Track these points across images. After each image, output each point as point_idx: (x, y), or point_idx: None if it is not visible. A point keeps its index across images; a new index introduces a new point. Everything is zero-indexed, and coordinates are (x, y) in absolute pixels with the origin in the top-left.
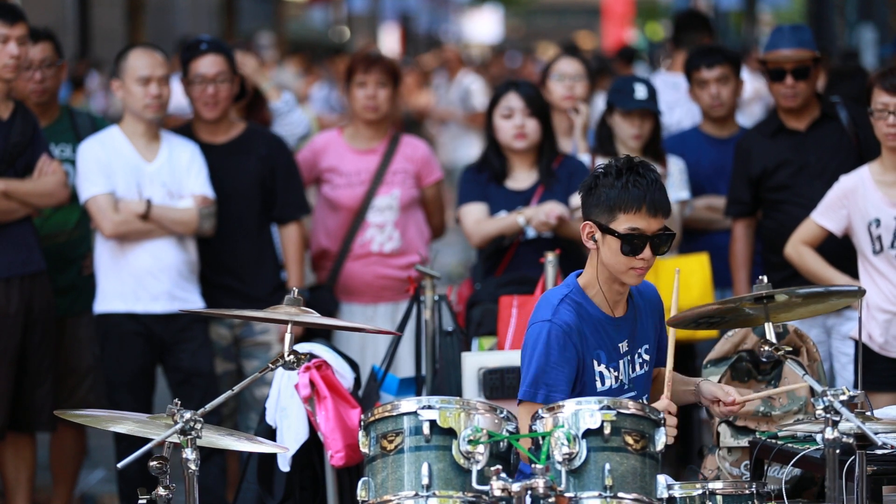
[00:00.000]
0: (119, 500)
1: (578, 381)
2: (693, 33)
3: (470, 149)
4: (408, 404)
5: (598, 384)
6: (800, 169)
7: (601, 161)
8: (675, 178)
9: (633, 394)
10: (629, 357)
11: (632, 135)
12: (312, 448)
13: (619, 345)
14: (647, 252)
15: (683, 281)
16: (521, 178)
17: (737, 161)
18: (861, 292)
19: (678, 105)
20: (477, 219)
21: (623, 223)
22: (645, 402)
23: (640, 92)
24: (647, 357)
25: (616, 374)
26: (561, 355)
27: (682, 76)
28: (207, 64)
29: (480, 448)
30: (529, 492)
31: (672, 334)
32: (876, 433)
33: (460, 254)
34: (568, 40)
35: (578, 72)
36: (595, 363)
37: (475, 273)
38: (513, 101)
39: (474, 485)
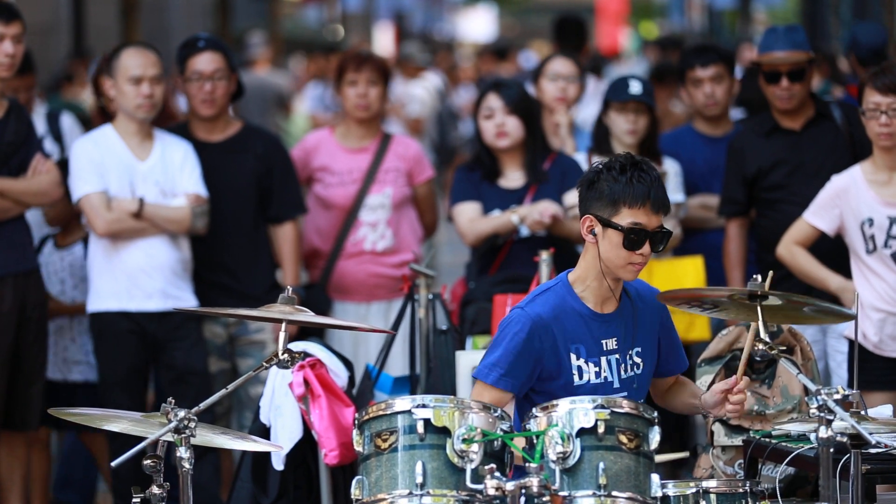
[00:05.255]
0: (113, 498)
1: (547, 371)
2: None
3: None
4: (402, 403)
5: (577, 378)
6: (795, 168)
7: (598, 160)
8: (671, 180)
9: (623, 394)
10: (618, 356)
11: (627, 129)
12: (306, 446)
13: (604, 341)
14: (646, 248)
15: (677, 282)
16: (514, 177)
17: (730, 161)
18: (853, 316)
19: None
20: (470, 217)
21: (626, 217)
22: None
23: (635, 87)
24: (638, 360)
25: (597, 369)
26: (523, 345)
27: None
28: (205, 61)
29: (475, 447)
30: (524, 491)
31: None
32: (870, 432)
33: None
34: (500, 43)
35: (572, 72)
36: (573, 356)
37: (469, 272)
38: (492, 101)
39: (468, 483)
